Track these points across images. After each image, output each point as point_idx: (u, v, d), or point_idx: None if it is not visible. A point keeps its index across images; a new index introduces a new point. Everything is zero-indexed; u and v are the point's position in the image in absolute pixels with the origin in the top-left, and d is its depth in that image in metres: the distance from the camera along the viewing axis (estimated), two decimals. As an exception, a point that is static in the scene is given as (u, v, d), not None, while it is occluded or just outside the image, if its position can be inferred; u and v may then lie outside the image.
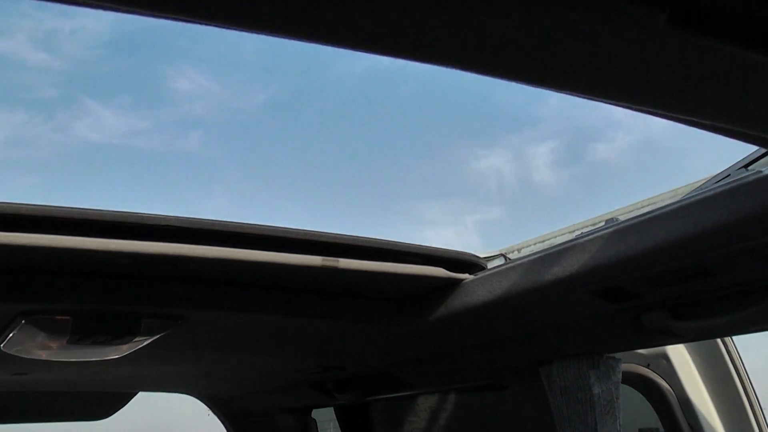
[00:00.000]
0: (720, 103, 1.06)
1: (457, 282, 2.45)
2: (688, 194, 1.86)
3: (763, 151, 1.85)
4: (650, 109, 1.07)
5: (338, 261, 2.29)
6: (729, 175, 1.86)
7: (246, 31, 0.87)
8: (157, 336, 2.49)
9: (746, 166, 1.86)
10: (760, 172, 1.68)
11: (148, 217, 2.04)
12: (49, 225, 1.94)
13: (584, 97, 1.04)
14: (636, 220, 1.92)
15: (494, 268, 2.36)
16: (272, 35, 0.88)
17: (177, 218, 2.07)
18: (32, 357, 2.58)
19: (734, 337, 3.13)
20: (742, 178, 1.70)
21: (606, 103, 1.06)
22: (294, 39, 0.89)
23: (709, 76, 0.97)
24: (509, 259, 2.65)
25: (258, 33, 0.88)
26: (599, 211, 2.64)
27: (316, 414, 4.31)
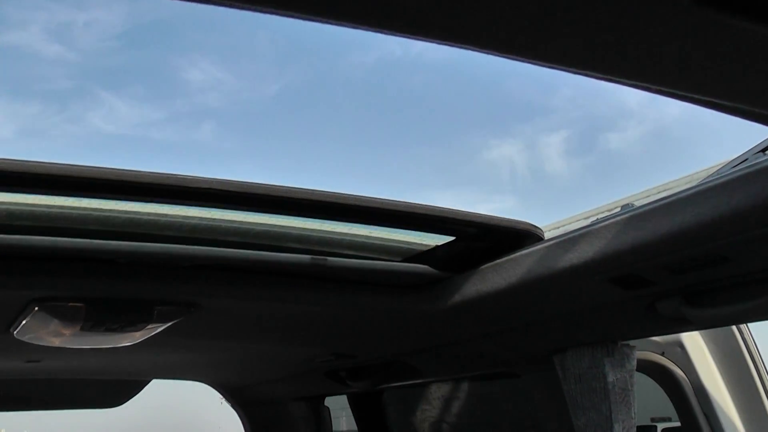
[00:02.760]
0: (742, 84, 1.04)
1: (471, 270, 2.44)
2: (704, 179, 1.84)
3: None
4: (671, 90, 1.05)
5: (326, 260, 2.35)
6: (746, 159, 1.84)
7: (253, 9, 0.86)
8: (170, 323, 2.49)
9: (764, 150, 1.84)
10: (780, 156, 1.66)
11: (168, 176, 1.91)
12: (53, 184, 1.85)
13: (603, 79, 1.02)
14: (652, 206, 1.90)
15: (508, 255, 2.34)
16: (286, 14, 0.87)
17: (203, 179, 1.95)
18: (45, 344, 2.59)
19: (750, 325, 3.11)
20: (759, 163, 1.68)
21: (625, 84, 1.04)
22: (314, 19, 0.88)
23: (732, 56, 0.95)
24: None
25: (266, 11, 0.86)
26: (611, 200, 2.63)
27: (330, 402, 4.32)
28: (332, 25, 0.89)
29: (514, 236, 2.31)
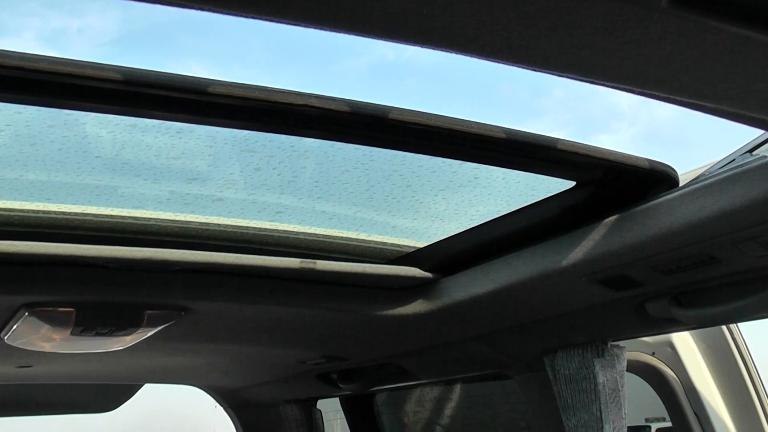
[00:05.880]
0: (724, 85, 1.05)
1: (461, 272, 2.45)
2: (691, 180, 1.85)
3: None
4: (652, 92, 1.06)
5: (315, 263, 2.30)
6: (733, 160, 1.85)
7: (248, 16, 0.87)
8: (161, 327, 2.49)
9: (750, 151, 1.84)
10: (765, 157, 1.66)
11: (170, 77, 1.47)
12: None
13: (584, 81, 1.03)
14: (640, 207, 1.91)
15: (496, 257, 2.34)
16: (280, 21, 0.87)
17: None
18: (36, 349, 2.59)
19: (740, 325, 3.12)
20: (746, 164, 1.69)
21: (607, 86, 1.05)
22: (306, 25, 0.88)
23: (711, 57, 0.96)
24: None
25: (261, 18, 0.87)
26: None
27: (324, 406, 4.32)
28: (325, 31, 0.90)
29: (647, 182, 1.90)
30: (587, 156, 1.81)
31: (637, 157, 1.85)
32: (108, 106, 1.57)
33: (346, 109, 1.58)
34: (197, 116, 1.62)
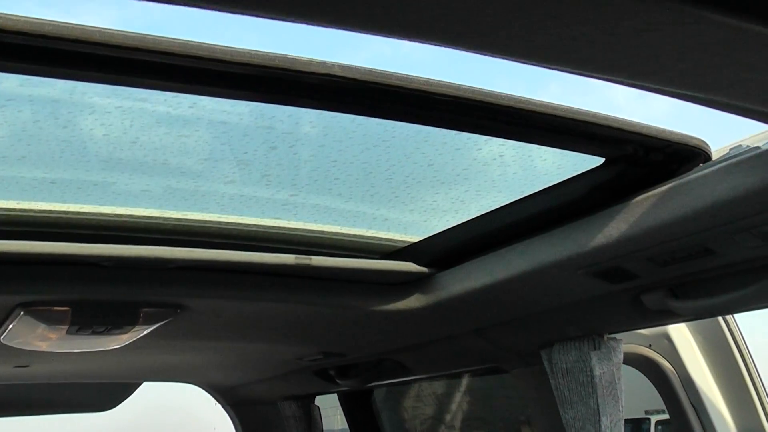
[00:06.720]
0: (717, 76, 1.05)
1: (457, 266, 2.45)
2: (687, 173, 1.85)
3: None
4: (645, 84, 1.06)
5: (311, 259, 2.29)
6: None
7: (244, 14, 0.86)
8: (157, 325, 2.49)
9: (745, 142, 1.84)
10: (758, 148, 1.66)
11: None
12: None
13: (577, 73, 1.03)
14: (633, 199, 1.91)
15: (492, 250, 2.34)
16: (275, 18, 0.87)
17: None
18: (32, 349, 2.59)
19: (736, 316, 3.13)
20: (739, 155, 1.69)
21: (599, 78, 1.05)
22: (303, 22, 0.88)
23: (705, 48, 0.96)
24: None
25: (257, 15, 0.87)
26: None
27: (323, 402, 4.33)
28: (322, 27, 0.90)
29: (679, 157, 1.83)
30: (619, 130, 1.75)
31: (670, 131, 1.80)
32: (121, 77, 1.48)
33: (370, 78, 1.50)
34: (217, 87, 1.55)
